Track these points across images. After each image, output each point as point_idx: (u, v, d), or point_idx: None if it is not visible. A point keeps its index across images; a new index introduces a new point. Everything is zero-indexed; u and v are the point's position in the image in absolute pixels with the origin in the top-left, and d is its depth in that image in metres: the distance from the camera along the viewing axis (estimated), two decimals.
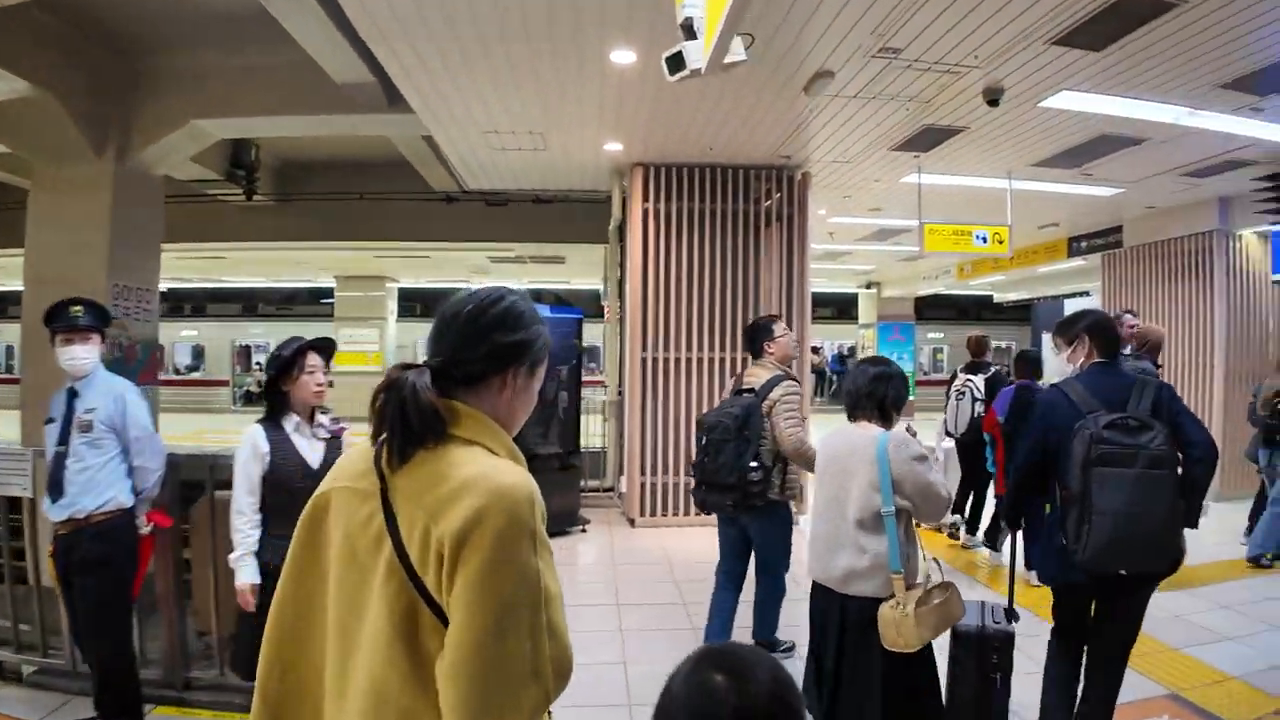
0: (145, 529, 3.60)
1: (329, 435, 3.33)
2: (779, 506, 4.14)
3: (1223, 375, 9.22)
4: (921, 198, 8.44)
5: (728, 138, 7.16)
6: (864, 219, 11.08)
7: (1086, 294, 14.94)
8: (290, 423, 3.20)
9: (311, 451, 3.23)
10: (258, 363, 24.37)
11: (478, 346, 1.32)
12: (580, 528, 7.76)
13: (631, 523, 7.97)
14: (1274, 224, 8.14)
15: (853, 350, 23.81)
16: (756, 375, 4.14)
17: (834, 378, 26.06)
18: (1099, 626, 3.06)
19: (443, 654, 1.13)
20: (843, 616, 2.84)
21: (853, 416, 3.03)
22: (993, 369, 6.93)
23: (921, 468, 2.81)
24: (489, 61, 5.57)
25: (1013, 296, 18.32)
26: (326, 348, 3.33)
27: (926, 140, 7.24)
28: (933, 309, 25.55)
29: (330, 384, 3.33)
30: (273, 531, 3.06)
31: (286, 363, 3.15)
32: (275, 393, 3.21)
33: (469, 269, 17.89)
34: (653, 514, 7.88)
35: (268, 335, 24.59)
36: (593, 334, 13.42)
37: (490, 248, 14.01)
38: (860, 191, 9.38)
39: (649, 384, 7.88)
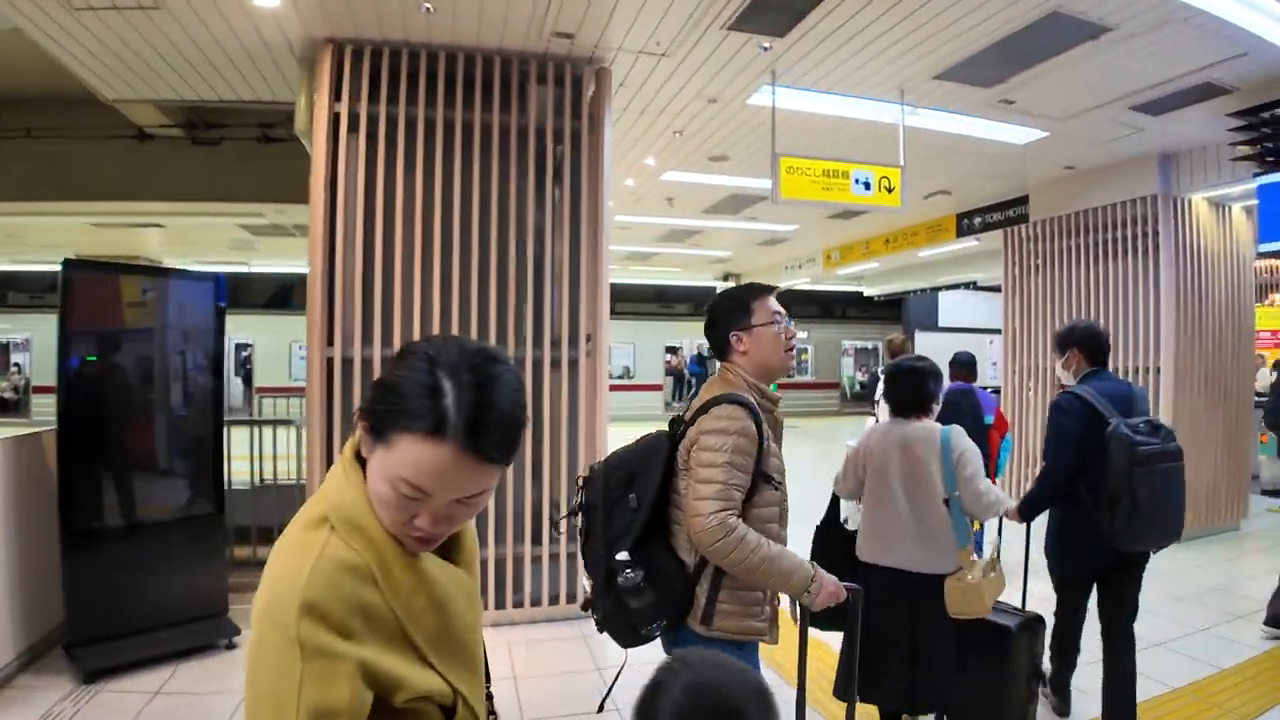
0: None
1: None
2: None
3: (1171, 379, 6.91)
4: (777, 126, 5.66)
5: None
6: (708, 176, 8.29)
7: (973, 284, 12.78)
8: None
9: None
10: (16, 364, 19.76)
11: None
12: (225, 642, 4.54)
13: None
14: (1257, 175, 5.83)
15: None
16: (705, 393, 2.27)
17: (693, 380, 23.59)
18: (1113, 599, 3.38)
19: None
20: (915, 594, 2.98)
21: (903, 414, 3.15)
22: None
23: (976, 464, 3.01)
24: None
25: (886, 290, 16.09)
26: None
27: (780, 10, 4.45)
28: (796, 305, 23.43)
29: None
30: None
31: None
32: None
33: (229, 244, 14.12)
34: None
35: (19, 330, 19.94)
36: None
37: (223, 210, 10.36)
38: (697, 124, 6.54)
39: (339, 401, 4.73)
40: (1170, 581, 5.91)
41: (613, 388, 20.45)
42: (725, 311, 2.30)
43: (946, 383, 5.98)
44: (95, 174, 9.17)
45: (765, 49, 4.92)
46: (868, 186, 5.57)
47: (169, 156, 8.66)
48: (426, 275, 4.79)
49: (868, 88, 5.59)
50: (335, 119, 4.75)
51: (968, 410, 5.72)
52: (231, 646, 4.53)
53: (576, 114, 5.07)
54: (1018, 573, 3.72)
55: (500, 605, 4.89)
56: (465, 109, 4.91)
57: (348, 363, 4.70)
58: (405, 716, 1.03)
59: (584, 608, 2.34)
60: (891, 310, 19.73)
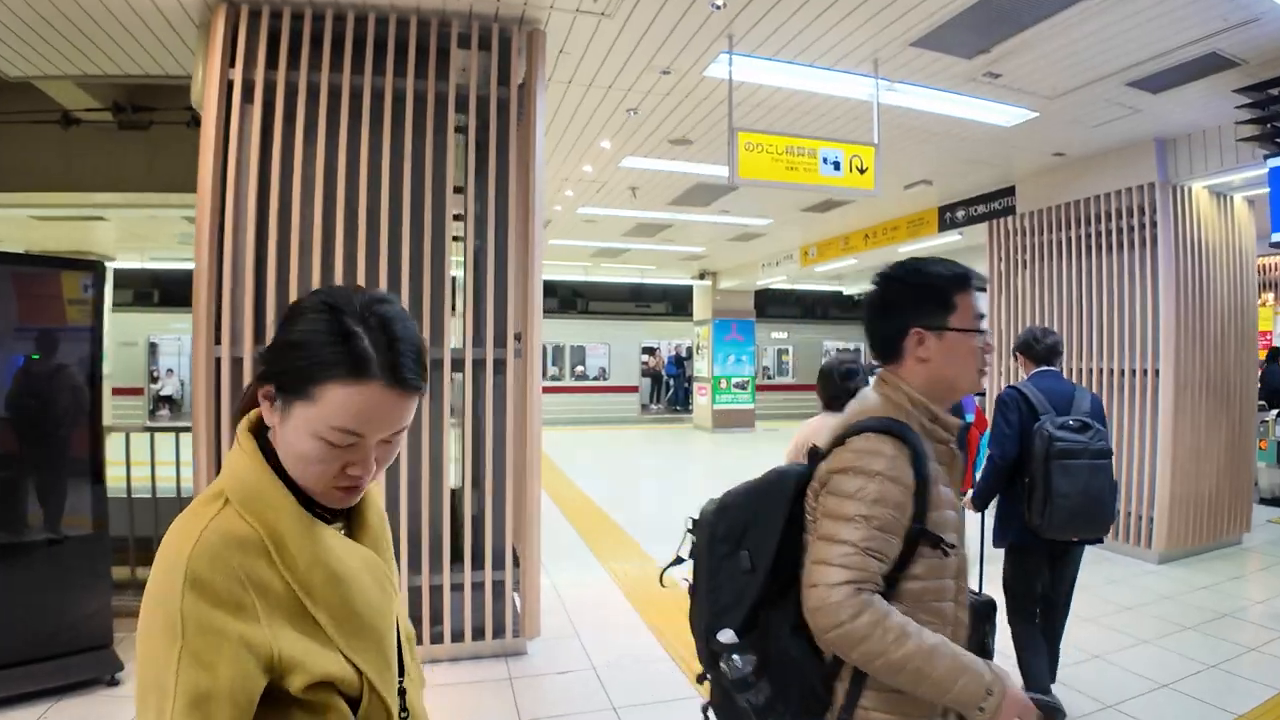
0: None
1: None
2: None
3: (1171, 383, 6.35)
4: (739, 103, 5.08)
5: None
6: (671, 162, 7.68)
7: None
8: None
9: None
10: None
11: None
12: (108, 678, 3.96)
13: None
14: (1269, 157, 5.27)
15: (690, 352, 20.71)
16: (850, 413, 1.63)
17: (670, 382, 22.99)
18: (1051, 581, 3.66)
19: None
20: None
21: (836, 408, 3.17)
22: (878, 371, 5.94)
23: None
24: None
25: (866, 289, 15.41)
26: None
27: None
28: (776, 305, 22.91)
29: None
30: None
31: None
32: None
33: (178, 239, 13.40)
34: None
35: None
36: None
37: (156, 201, 9.64)
38: (651, 100, 5.92)
39: (227, 405, 4.06)
40: (1172, 607, 5.35)
41: (587, 390, 19.78)
42: (912, 297, 1.61)
43: None
44: (18, 162, 8.45)
45: (718, 7, 4.31)
46: (837, 167, 4.96)
47: (98, 143, 7.96)
48: (328, 264, 4.16)
49: (837, 57, 4.99)
50: (229, 87, 4.12)
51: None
52: (114, 683, 3.95)
53: (505, 81, 4.45)
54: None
55: (416, 640, 4.26)
56: (376, 75, 4.28)
57: (237, 363, 4.08)
58: (307, 709, 0.95)
59: (700, 679, 1.68)
60: None
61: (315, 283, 4.11)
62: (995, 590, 3.59)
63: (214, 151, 4.08)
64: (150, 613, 0.89)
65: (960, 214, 9.00)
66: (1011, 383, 4.03)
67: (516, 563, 4.41)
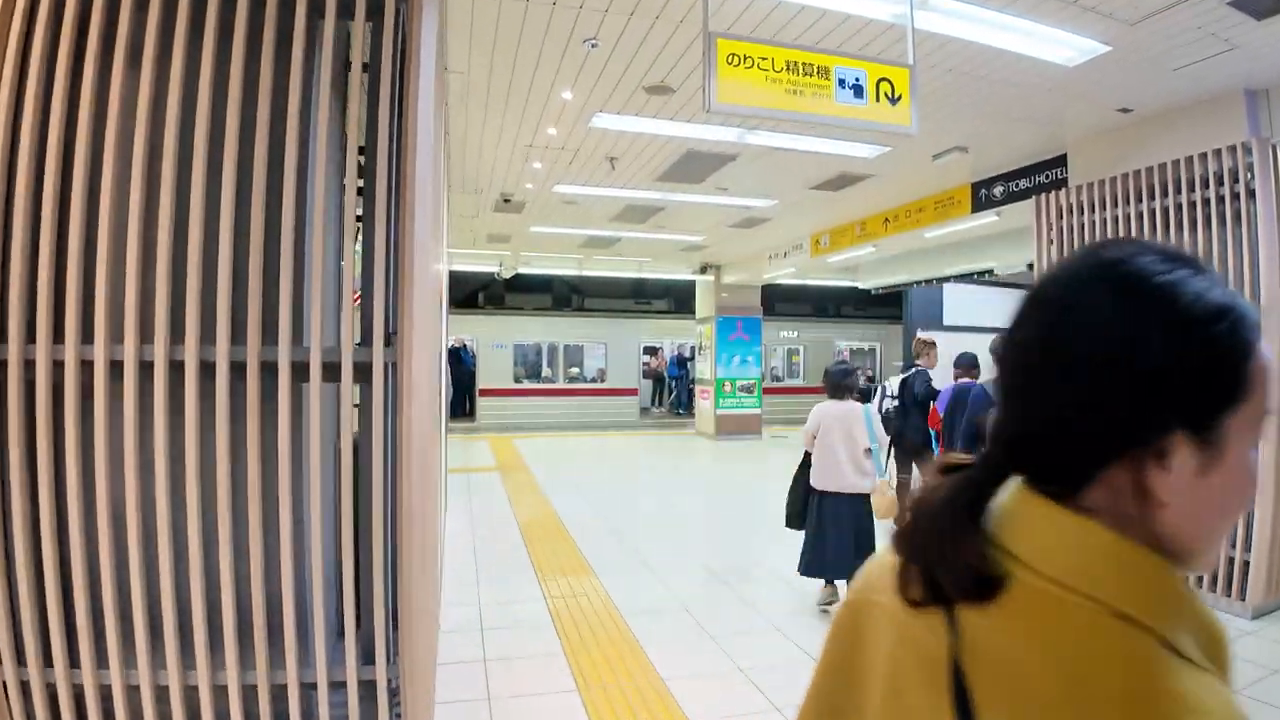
0: None
1: None
2: None
3: (1277, 395, 4.95)
4: (725, 21, 3.74)
5: None
6: (652, 121, 6.35)
7: (988, 273, 10.80)
8: None
9: None
10: None
11: (1048, 394, 0.66)
12: None
13: None
14: None
15: (694, 352, 19.35)
16: None
17: (673, 384, 21.64)
18: None
19: None
20: (853, 505, 4.97)
21: (837, 397, 5.13)
22: (913, 369, 7.45)
23: (880, 428, 5.21)
24: None
25: (883, 282, 13.99)
26: None
27: None
28: (786, 302, 21.52)
29: None
30: None
31: None
32: None
33: None
34: None
35: None
36: None
37: None
38: (614, 22, 4.60)
39: (20, 428, 2.77)
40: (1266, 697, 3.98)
41: (581, 392, 18.25)
42: None
43: (950, 381, 6.55)
44: None
45: None
46: (859, 93, 3.60)
47: None
48: (180, 241, 2.85)
49: None
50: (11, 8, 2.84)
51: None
52: None
53: None
54: None
55: None
56: None
57: (48, 370, 2.76)
58: None
59: None
60: (891, 308, 17.81)
61: (162, 270, 2.81)
62: None
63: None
64: None
65: (998, 190, 7.62)
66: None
67: (390, 656, 3.08)
